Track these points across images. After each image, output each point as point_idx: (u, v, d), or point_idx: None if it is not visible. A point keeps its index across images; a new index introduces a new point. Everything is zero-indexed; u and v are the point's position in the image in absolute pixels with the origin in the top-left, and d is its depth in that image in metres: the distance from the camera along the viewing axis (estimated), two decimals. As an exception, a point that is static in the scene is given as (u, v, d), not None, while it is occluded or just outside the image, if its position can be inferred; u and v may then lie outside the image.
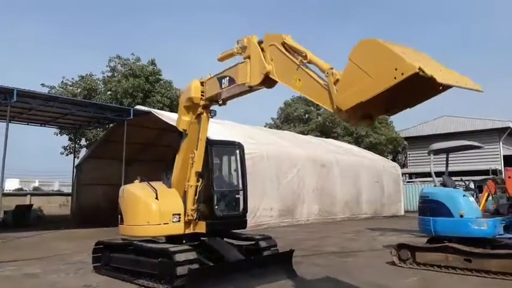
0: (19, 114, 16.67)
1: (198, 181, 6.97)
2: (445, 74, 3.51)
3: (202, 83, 6.72)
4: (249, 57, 5.62)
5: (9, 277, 7.48)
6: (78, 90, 25.50)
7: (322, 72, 4.43)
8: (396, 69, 3.43)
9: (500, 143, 33.42)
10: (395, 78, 3.44)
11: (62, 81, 25.70)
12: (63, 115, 17.58)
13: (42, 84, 24.90)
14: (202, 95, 6.69)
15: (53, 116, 17.80)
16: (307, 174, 18.18)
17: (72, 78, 26.16)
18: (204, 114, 6.92)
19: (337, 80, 4.17)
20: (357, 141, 36.01)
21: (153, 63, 27.23)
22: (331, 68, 4.35)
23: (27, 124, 18.80)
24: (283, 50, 5.03)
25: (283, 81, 5.13)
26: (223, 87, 6.18)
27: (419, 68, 3.23)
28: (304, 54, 4.73)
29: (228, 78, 6.06)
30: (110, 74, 27.21)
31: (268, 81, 5.38)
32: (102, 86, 26.65)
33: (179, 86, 28.98)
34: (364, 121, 4.16)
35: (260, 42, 5.50)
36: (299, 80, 4.83)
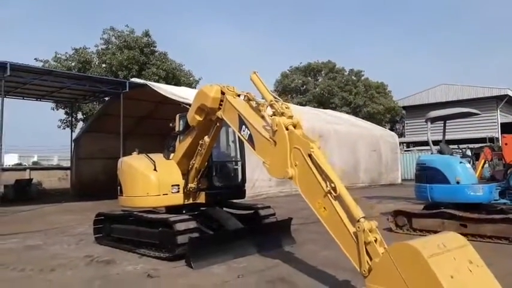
0: (14, 88, 16.51)
1: (203, 166, 6.87)
2: None
3: (223, 92, 5.87)
4: (275, 142, 4.91)
5: (12, 249, 7.58)
6: (73, 64, 25.18)
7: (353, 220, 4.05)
8: None
9: (498, 111, 33.46)
10: None
11: (56, 55, 25.34)
12: (59, 89, 17.43)
13: (35, 59, 24.57)
14: (220, 106, 5.88)
15: (48, 90, 17.65)
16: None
17: (66, 52, 25.81)
18: (218, 124, 6.28)
19: (369, 243, 3.85)
20: (355, 112, 36.05)
21: (147, 34, 26.80)
22: (364, 218, 3.97)
23: (23, 99, 18.65)
24: (310, 164, 4.47)
25: (305, 197, 4.60)
26: (241, 133, 5.48)
27: None
28: (333, 186, 4.21)
29: (249, 133, 5.33)
30: (104, 46, 26.80)
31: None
32: (97, 58, 26.30)
33: (174, 58, 28.73)
34: None
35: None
36: (324, 208, 4.35)
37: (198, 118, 6.33)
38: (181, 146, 7.05)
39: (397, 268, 3.52)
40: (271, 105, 5.17)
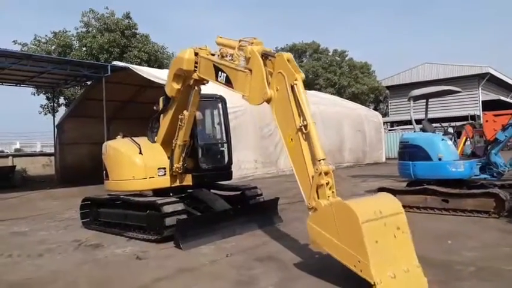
0: (-8, 74, 16.08)
1: (185, 141, 6.91)
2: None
3: (196, 53, 6.08)
4: (250, 70, 5.07)
5: (-2, 236, 7.53)
6: (53, 48, 24.59)
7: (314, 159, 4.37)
8: (359, 262, 3.77)
9: (480, 89, 33.96)
10: (354, 266, 3.82)
11: (35, 38, 24.71)
12: (39, 74, 17.01)
13: (14, 42, 23.95)
14: (195, 67, 6.08)
15: (28, 75, 17.21)
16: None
17: (46, 35, 25.18)
18: (196, 88, 6.43)
19: (321, 185, 4.24)
20: (339, 92, 36.19)
21: (128, 16, 26.24)
22: (324, 160, 4.28)
23: (2, 84, 18.19)
24: (291, 95, 4.59)
25: (277, 122, 4.83)
26: (219, 80, 5.63)
27: (375, 283, 3.61)
28: (305, 123, 4.44)
29: (225, 75, 5.50)
30: (84, 29, 26.20)
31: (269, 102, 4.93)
32: (77, 42, 25.74)
33: (157, 41, 28.27)
34: None
35: (265, 56, 4.97)
36: (291, 139, 4.64)
37: (176, 86, 6.49)
38: (163, 123, 7.09)
39: (335, 221, 4.04)
40: (240, 46, 5.29)
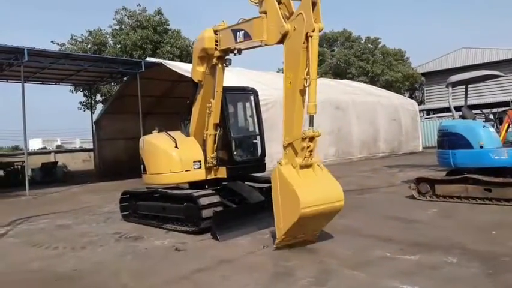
0: (33, 73, 16.76)
1: (216, 130, 7.05)
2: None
3: (215, 32, 6.36)
4: (265, 13, 5.22)
5: (43, 229, 7.87)
6: (88, 46, 25.34)
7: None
8: (280, 226, 4.90)
9: (522, 73, 32.31)
10: (276, 225, 5.01)
11: (71, 38, 25.53)
12: (76, 72, 17.62)
13: (52, 41, 24.89)
14: (216, 45, 6.38)
15: (66, 73, 17.87)
16: (322, 117, 17.97)
17: (82, 34, 25.97)
18: (219, 65, 6.66)
19: (302, 148, 4.74)
20: (372, 81, 35.41)
21: (159, 12, 26.64)
22: (315, 109, 4.68)
23: (42, 83, 18.97)
24: (303, 45, 4.72)
25: (284, 62, 5.05)
26: (238, 41, 5.87)
27: (276, 242, 5.08)
28: (308, 77, 4.70)
29: (243, 32, 5.71)
30: (117, 27, 26.81)
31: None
32: (111, 39, 26.38)
33: (188, 36, 28.55)
34: None
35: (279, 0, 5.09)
36: (290, 83, 4.89)
37: (201, 69, 6.82)
38: (194, 112, 7.24)
39: (287, 192, 4.72)
40: None
